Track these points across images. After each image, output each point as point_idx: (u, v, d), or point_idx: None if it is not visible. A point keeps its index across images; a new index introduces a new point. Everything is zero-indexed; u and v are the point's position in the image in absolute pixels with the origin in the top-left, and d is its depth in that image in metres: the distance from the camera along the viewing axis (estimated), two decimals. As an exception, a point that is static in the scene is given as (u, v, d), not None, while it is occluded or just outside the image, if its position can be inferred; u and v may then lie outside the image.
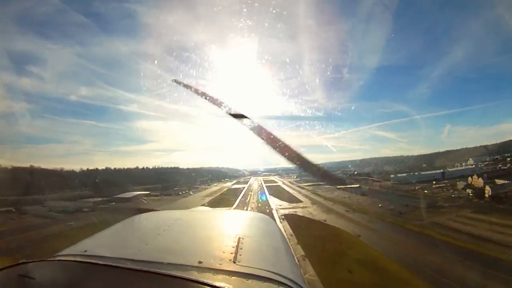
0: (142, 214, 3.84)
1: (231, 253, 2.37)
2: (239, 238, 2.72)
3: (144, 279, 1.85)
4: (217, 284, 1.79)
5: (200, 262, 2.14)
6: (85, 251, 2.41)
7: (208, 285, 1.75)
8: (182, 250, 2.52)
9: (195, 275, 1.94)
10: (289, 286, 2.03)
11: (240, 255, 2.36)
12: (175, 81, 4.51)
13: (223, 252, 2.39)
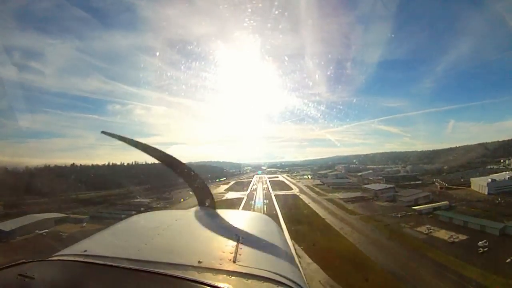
0: (142, 214, 3.80)
1: (231, 253, 2.37)
2: (239, 238, 2.72)
3: (144, 279, 1.85)
4: (217, 284, 1.79)
5: (200, 262, 2.14)
6: (85, 251, 2.41)
7: (208, 285, 1.75)
8: (182, 250, 2.51)
9: (195, 275, 1.94)
10: (289, 286, 2.03)
11: (240, 255, 2.36)
12: (104, 132, 4.04)
13: (223, 252, 2.39)
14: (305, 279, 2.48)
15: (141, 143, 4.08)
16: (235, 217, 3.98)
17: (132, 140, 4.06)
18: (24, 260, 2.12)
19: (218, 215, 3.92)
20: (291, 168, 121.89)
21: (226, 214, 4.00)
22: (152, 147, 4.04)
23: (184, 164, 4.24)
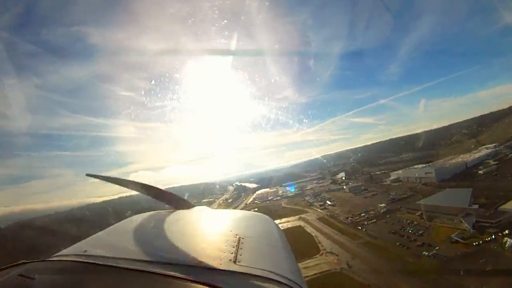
0: (142, 214, 3.85)
1: (231, 253, 2.37)
2: (239, 238, 2.71)
3: (144, 279, 1.85)
4: (217, 284, 1.79)
5: (200, 262, 2.14)
6: (85, 251, 2.41)
7: (208, 285, 1.75)
8: (182, 250, 2.49)
9: (195, 275, 1.92)
10: (289, 286, 2.04)
11: (240, 255, 2.36)
12: (89, 175, 4.23)
13: (223, 252, 2.38)
14: (304, 279, 2.46)
15: (122, 180, 4.28)
16: (235, 217, 3.97)
17: (116, 179, 4.27)
18: (24, 261, 2.14)
19: (218, 215, 3.92)
20: (294, 182, 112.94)
21: (226, 214, 4.01)
22: (133, 182, 4.19)
23: (163, 190, 4.43)
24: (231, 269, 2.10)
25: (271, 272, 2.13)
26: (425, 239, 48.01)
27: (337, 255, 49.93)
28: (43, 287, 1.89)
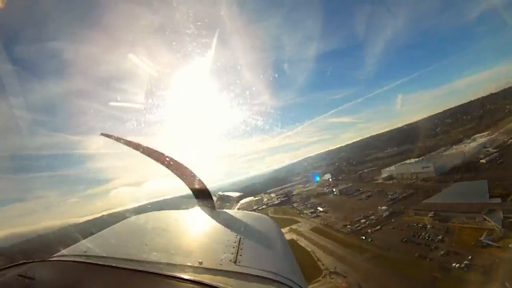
0: (142, 214, 3.82)
1: (232, 254, 2.36)
2: (239, 239, 2.68)
3: (144, 279, 1.86)
4: (217, 284, 1.79)
5: (200, 263, 2.14)
6: (85, 251, 2.43)
7: (209, 285, 1.77)
8: (182, 250, 2.52)
9: (195, 276, 1.92)
10: (289, 286, 2.07)
11: (241, 255, 2.35)
12: (104, 134, 3.34)
13: (224, 253, 2.38)
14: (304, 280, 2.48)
15: (138, 144, 3.93)
16: (235, 218, 3.81)
17: (131, 142, 3.95)
18: (24, 261, 2.15)
19: (218, 216, 3.76)
20: (279, 188, 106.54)
21: (226, 215, 3.93)
22: (147, 147, 3.84)
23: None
24: (231, 270, 2.10)
25: (271, 272, 2.14)
26: (449, 246, 39.12)
27: (345, 276, 39.63)
28: (43, 287, 1.90)
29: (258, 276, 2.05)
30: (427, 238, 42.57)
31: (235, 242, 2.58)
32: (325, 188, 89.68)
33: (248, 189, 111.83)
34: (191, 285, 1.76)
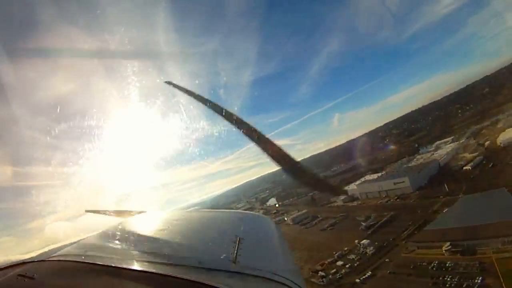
0: (141, 215, 3.83)
1: (231, 254, 2.34)
2: (238, 239, 2.64)
3: (144, 279, 1.85)
4: (217, 284, 1.78)
5: (200, 263, 2.12)
6: (85, 251, 2.42)
7: (208, 285, 1.75)
8: (182, 250, 2.49)
9: (195, 276, 1.90)
10: (288, 286, 2.07)
11: (240, 255, 2.33)
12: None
13: (223, 253, 2.35)
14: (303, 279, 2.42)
15: (204, 98, 4.09)
16: (235, 218, 3.90)
17: (197, 94, 4.15)
18: (24, 260, 2.19)
19: (217, 216, 3.89)
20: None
21: (226, 215, 3.98)
22: (213, 103, 3.93)
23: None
24: (230, 269, 2.09)
25: (270, 272, 2.16)
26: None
27: None
28: (43, 287, 1.90)
29: (257, 276, 2.07)
30: (456, 283, 26.70)
31: (234, 242, 2.56)
32: (273, 216, 70.99)
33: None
34: (191, 285, 1.76)
